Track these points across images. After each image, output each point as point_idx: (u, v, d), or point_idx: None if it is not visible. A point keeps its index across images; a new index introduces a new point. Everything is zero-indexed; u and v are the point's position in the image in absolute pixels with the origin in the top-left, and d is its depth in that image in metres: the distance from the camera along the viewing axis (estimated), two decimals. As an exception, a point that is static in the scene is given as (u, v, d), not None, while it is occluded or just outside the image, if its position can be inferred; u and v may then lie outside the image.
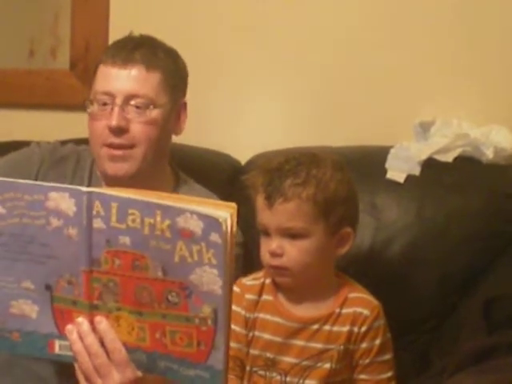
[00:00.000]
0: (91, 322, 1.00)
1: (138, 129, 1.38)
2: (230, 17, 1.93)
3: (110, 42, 1.94)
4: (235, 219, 0.92)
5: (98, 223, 0.96)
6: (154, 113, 1.39)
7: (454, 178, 1.66)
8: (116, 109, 1.36)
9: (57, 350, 1.04)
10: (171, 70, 1.43)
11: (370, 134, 1.84)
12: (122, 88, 1.37)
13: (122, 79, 1.38)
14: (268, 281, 1.37)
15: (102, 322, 1.00)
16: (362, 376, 1.33)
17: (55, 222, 0.98)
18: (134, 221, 0.94)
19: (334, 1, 1.89)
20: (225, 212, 0.90)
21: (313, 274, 1.32)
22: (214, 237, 0.90)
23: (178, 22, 1.93)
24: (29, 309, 1.03)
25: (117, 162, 1.39)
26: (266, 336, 1.33)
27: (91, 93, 1.42)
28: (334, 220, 1.29)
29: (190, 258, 0.92)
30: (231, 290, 0.95)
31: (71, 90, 1.99)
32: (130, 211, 0.94)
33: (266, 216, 1.31)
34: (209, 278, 0.92)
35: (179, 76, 1.46)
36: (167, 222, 0.92)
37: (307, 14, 1.89)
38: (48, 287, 1.01)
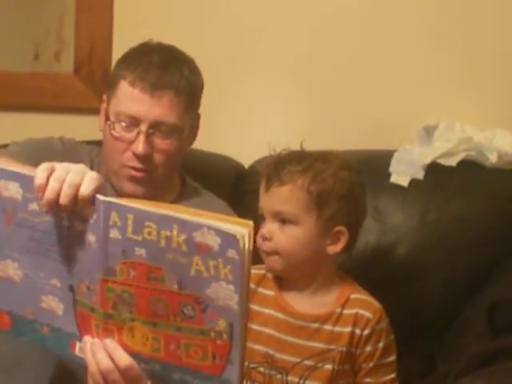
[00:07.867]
0: (105, 331, 1.00)
1: (160, 156, 1.38)
2: (230, 24, 1.93)
3: (115, 45, 1.95)
4: (252, 237, 0.91)
5: (114, 233, 0.95)
6: (177, 139, 1.38)
7: (458, 182, 1.66)
8: (142, 136, 1.35)
9: (77, 351, 1.04)
10: (195, 88, 1.42)
11: (373, 138, 1.84)
12: (150, 115, 1.34)
13: (150, 105, 1.34)
14: (269, 274, 1.37)
15: (111, 343, 0.99)
16: (367, 379, 1.33)
17: (79, 225, 0.99)
18: (150, 233, 0.93)
19: (339, 10, 1.89)
20: (243, 229, 0.90)
21: (304, 266, 1.32)
22: (232, 253, 0.89)
23: (181, 27, 1.92)
24: (56, 306, 1.03)
25: (137, 184, 1.39)
26: (268, 331, 1.33)
27: (110, 107, 1.39)
28: (328, 215, 1.29)
29: (206, 273, 0.92)
30: (248, 305, 0.94)
31: (75, 93, 1.99)
32: (147, 223, 0.93)
33: (263, 199, 1.33)
34: (225, 293, 0.91)
35: (200, 91, 1.44)
36: (183, 236, 0.91)
37: (311, 21, 1.89)
38: (71, 288, 1.02)
